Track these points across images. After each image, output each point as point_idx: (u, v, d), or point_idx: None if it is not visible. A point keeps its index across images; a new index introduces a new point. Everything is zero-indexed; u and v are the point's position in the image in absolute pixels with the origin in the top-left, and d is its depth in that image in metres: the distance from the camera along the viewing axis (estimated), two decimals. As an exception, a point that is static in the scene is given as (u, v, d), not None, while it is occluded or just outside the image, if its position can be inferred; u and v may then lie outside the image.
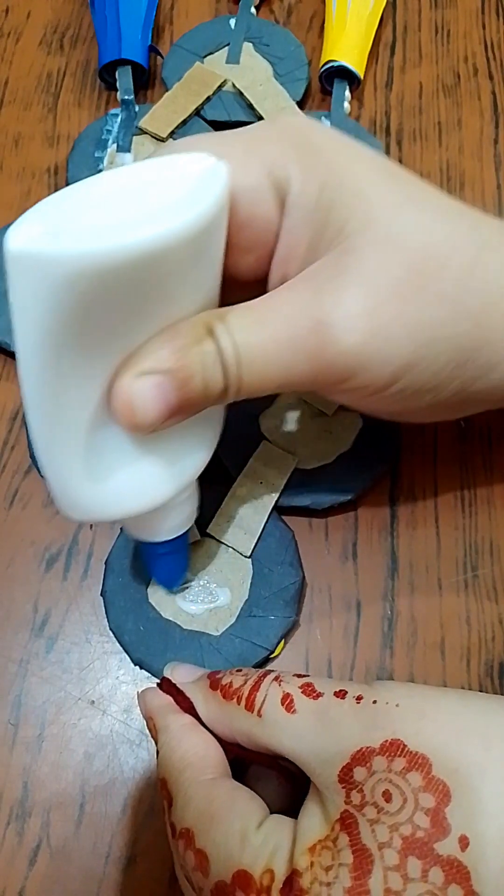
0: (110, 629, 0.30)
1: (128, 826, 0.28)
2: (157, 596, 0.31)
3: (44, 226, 0.18)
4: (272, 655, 0.30)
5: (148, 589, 0.31)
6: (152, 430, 0.22)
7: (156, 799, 0.28)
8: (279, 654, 0.30)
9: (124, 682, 0.30)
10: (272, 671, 0.23)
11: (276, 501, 0.32)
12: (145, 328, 0.21)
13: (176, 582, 0.30)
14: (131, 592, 0.31)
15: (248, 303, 0.23)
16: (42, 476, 0.23)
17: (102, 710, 0.30)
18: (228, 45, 0.43)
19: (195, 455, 0.25)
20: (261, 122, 0.25)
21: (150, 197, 0.20)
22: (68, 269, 0.18)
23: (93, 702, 0.30)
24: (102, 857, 0.28)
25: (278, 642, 0.30)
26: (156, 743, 0.24)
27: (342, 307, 0.22)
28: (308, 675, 0.23)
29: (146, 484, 0.24)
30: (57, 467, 0.22)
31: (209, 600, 0.30)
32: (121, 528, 0.32)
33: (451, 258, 0.23)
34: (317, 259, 0.23)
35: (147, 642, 0.30)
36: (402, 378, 0.23)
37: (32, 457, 0.34)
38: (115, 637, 0.30)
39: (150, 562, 0.29)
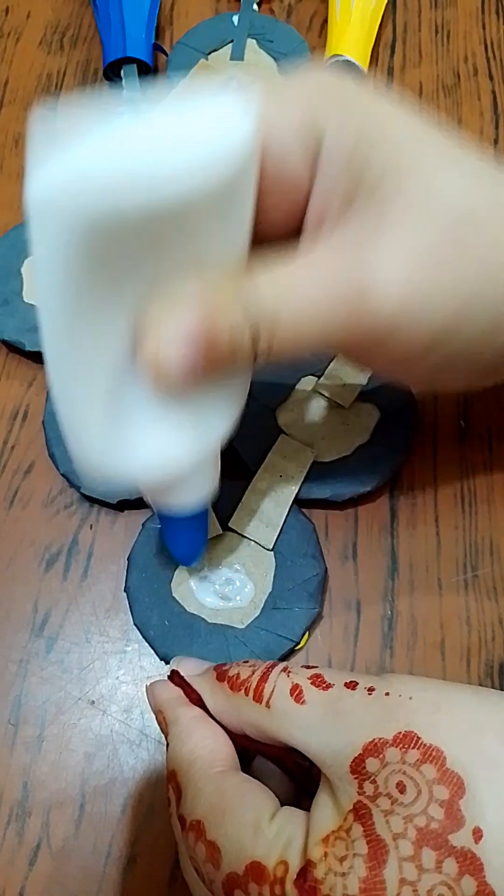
0: (134, 625, 0.30)
1: (128, 826, 0.28)
2: (181, 590, 0.31)
3: (63, 169, 0.18)
4: (297, 647, 0.30)
5: (171, 584, 0.31)
6: (177, 389, 0.21)
7: (156, 799, 0.28)
8: (304, 645, 0.30)
9: (124, 682, 0.30)
10: (280, 663, 0.23)
11: (297, 494, 0.32)
12: (171, 280, 0.20)
13: (194, 558, 0.30)
14: (155, 588, 0.31)
15: (281, 261, 0.22)
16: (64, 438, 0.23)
17: (102, 710, 0.30)
18: (232, 41, 0.43)
19: (217, 422, 0.25)
20: (294, 73, 0.23)
21: (175, 139, 0.19)
22: (91, 213, 0.17)
23: (93, 702, 0.30)
24: (102, 857, 0.28)
25: (303, 634, 0.30)
26: (165, 736, 0.24)
27: (380, 271, 0.22)
28: (316, 667, 0.23)
29: (166, 447, 0.23)
30: (76, 417, 0.22)
31: (233, 594, 0.30)
32: (142, 525, 0.32)
33: (490, 220, 0.22)
34: (351, 215, 0.22)
35: (172, 637, 0.30)
36: (438, 343, 0.23)
37: (45, 423, 0.34)
38: (140, 632, 0.30)
39: (169, 536, 0.29)
